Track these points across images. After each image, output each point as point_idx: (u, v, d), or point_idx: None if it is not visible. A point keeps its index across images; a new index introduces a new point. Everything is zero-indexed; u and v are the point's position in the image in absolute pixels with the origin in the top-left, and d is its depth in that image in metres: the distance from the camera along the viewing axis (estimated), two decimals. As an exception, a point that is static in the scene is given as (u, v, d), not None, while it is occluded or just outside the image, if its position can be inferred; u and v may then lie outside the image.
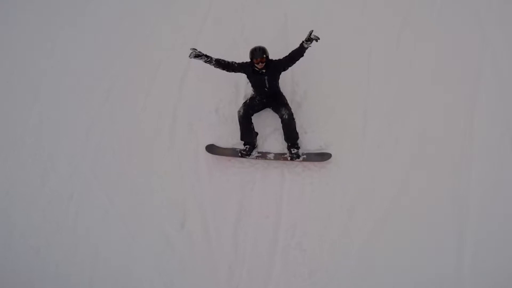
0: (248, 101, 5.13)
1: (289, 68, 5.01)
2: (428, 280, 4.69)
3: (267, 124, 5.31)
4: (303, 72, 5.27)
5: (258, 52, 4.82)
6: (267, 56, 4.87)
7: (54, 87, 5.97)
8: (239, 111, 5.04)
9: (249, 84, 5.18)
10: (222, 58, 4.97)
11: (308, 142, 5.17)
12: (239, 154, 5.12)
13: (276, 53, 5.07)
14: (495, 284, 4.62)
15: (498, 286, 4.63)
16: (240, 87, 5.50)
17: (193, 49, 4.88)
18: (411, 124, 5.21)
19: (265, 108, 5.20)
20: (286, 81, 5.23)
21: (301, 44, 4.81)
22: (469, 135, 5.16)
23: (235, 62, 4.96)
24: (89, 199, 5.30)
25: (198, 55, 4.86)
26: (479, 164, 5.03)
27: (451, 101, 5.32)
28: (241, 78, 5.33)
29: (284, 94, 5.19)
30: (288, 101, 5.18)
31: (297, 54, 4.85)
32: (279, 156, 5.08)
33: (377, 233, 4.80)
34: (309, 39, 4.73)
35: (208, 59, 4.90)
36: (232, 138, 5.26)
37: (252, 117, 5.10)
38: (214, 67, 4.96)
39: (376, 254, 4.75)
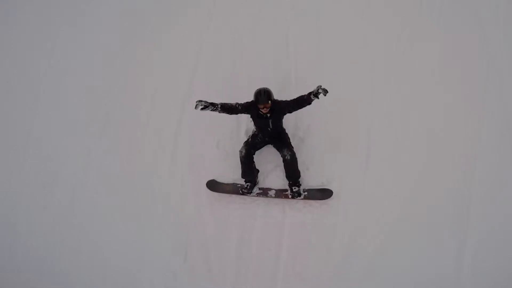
0: (250, 139, 5.04)
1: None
2: (428, 280, 4.71)
3: (269, 161, 5.22)
4: (306, 107, 5.09)
5: (263, 98, 4.68)
6: (272, 100, 4.75)
7: (54, 87, 5.95)
8: (240, 151, 4.95)
9: (252, 122, 5.07)
10: (226, 102, 4.84)
11: (310, 178, 5.10)
12: (240, 192, 5.07)
13: (277, 73, 5.28)
14: (495, 284, 4.64)
15: (498, 286, 4.64)
16: (241, 121, 5.40)
17: (199, 101, 4.72)
18: (415, 147, 5.17)
19: (267, 145, 5.12)
20: (290, 115, 5.06)
21: (309, 96, 4.65)
22: (470, 135, 5.17)
23: (239, 105, 4.83)
24: (90, 204, 5.33)
25: (205, 107, 4.71)
26: (479, 164, 5.05)
27: (451, 101, 5.32)
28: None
29: (287, 129, 5.10)
30: (291, 136, 5.09)
31: (304, 102, 4.71)
32: (280, 193, 5.05)
33: (377, 258, 4.81)
34: (317, 93, 4.57)
35: (214, 108, 4.76)
36: (233, 173, 5.16)
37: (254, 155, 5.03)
38: (219, 113, 4.83)
39: (377, 266, 4.78)
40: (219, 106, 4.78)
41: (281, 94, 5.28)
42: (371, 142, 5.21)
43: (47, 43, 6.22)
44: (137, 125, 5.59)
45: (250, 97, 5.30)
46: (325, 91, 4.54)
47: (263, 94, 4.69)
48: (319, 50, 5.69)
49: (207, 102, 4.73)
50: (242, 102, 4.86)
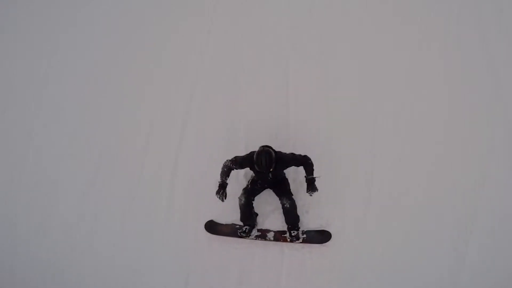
0: (249, 186, 4.90)
1: (292, 145, 4.94)
2: (427, 280, 4.76)
3: (268, 203, 5.11)
4: (307, 151, 4.96)
5: (264, 167, 4.39)
6: (274, 160, 4.44)
7: (55, 87, 5.93)
8: (240, 199, 4.85)
9: None
10: (226, 167, 4.67)
11: (309, 221, 5.03)
12: (239, 234, 4.99)
13: (277, 97, 5.30)
14: (495, 284, 4.67)
15: (498, 286, 4.69)
16: None
17: (221, 198, 4.64)
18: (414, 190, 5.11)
19: (266, 189, 5.00)
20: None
21: (307, 177, 4.64)
22: (469, 138, 5.24)
23: (235, 165, 4.63)
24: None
25: (226, 194, 4.64)
26: (479, 166, 5.11)
27: (454, 135, 5.32)
28: (239, 152, 5.11)
29: (287, 173, 4.97)
30: (291, 180, 5.00)
31: (301, 165, 4.69)
32: (279, 236, 5.00)
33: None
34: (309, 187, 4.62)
35: (227, 182, 4.67)
36: (232, 214, 5.06)
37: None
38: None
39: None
40: (227, 177, 4.65)
41: (279, 126, 5.38)
42: (373, 182, 5.15)
43: (47, 43, 6.18)
44: (134, 157, 5.48)
45: (249, 124, 5.40)
46: (313, 192, 4.59)
47: (264, 163, 4.38)
48: (324, 123, 5.53)
49: (221, 189, 4.61)
50: (239, 158, 4.66)
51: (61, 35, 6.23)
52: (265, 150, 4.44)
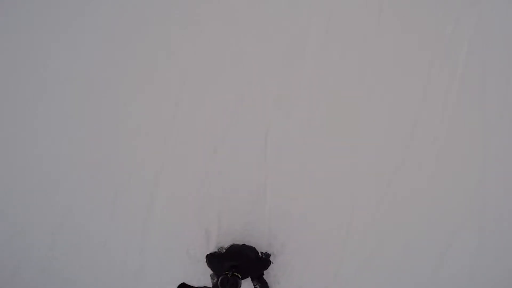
0: None
1: (267, 220, 4.91)
2: (427, 280, 4.87)
3: None
4: (281, 224, 4.98)
5: None
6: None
7: (55, 87, 5.89)
8: (212, 277, 4.81)
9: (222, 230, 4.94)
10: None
11: None
12: None
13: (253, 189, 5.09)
14: (494, 284, 4.74)
15: (497, 286, 4.77)
16: (211, 234, 5.12)
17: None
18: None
19: None
20: (263, 233, 4.93)
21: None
22: (469, 138, 5.18)
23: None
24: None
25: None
26: (478, 167, 5.08)
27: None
28: (212, 223, 5.08)
29: (260, 247, 4.93)
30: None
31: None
32: None
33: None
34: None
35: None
36: (204, 277, 5.05)
37: None
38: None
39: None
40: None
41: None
42: (344, 256, 5.13)
43: (46, 43, 6.14)
44: (133, 156, 5.45)
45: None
46: None
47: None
48: (301, 199, 5.24)
49: None
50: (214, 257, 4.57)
51: (61, 35, 6.20)
52: (230, 281, 4.05)
